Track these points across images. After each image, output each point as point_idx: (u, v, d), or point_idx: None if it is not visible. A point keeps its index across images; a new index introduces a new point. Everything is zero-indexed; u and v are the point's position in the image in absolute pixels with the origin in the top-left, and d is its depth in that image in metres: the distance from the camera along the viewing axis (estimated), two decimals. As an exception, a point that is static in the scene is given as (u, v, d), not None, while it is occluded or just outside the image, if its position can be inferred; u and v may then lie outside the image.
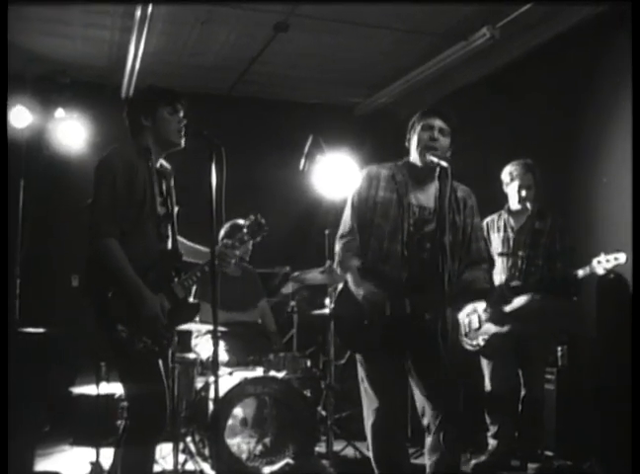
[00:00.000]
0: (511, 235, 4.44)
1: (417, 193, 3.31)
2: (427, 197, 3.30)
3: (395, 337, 3.18)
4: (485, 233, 4.52)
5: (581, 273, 3.97)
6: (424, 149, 3.22)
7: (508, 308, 4.23)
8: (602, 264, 3.84)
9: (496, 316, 4.14)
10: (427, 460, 3.28)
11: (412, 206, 3.28)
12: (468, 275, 3.35)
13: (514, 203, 4.48)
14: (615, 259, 3.82)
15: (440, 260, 2.84)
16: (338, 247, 3.40)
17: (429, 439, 3.25)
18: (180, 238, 3.39)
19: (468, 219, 3.36)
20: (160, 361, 3.11)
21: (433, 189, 3.26)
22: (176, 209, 3.34)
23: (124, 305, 2.99)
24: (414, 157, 3.31)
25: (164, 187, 3.27)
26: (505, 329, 4.24)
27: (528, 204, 4.41)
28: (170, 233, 3.24)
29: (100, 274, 3.04)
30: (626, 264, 3.88)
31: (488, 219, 4.56)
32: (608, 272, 3.85)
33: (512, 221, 4.48)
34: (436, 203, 3.23)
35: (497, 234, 4.50)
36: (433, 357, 2.81)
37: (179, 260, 3.29)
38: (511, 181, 4.47)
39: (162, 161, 3.32)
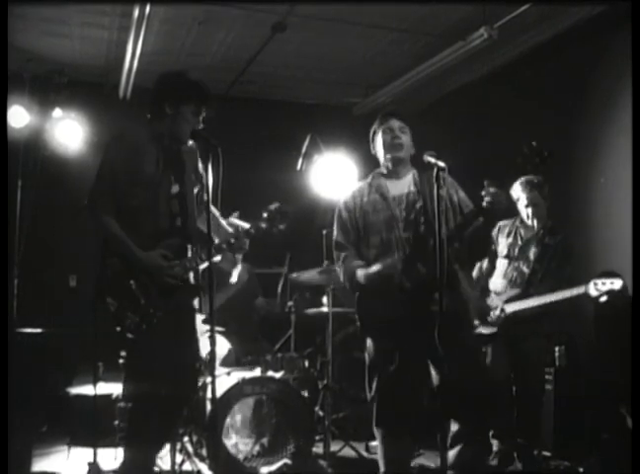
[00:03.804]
0: (519, 243, 4.43)
1: (395, 187, 3.52)
2: (403, 185, 3.51)
3: (413, 309, 3.24)
4: (495, 237, 4.54)
5: (575, 291, 4.01)
6: (389, 148, 3.49)
7: (507, 310, 4.25)
8: (598, 286, 3.92)
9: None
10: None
11: (396, 197, 3.48)
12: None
13: (524, 217, 4.48)
14: (611, 283, 3.91)
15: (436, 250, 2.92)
16: (338, 265, 3.56)
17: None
18: (214, 211, 3.30)
19: (452, 190, 3.47)
20: (164, 346, 3.02)
21: (407, 177, 3.52)
22: (195, 189, 3.30)
23: (115, 278, 3.01)
24: (381, 160, 3.56)
25: (178, 166, 3.22)
26: (491, 331, 4.26)
27: (536, 222, 4.41)
28: (179, 211, 3.19)
29: (100, 249, 3.09)
30: (624, 279, 3.92)
31: (501, 223, 4.55)
32: (601, 295, 3.92)
33: (522, 231, 4.48)
34: (413, 187, 3.47)
35: (505, 238, 4.49)
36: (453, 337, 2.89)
37: (189, 239, 3.22)
38: (517, 199, 4.48)
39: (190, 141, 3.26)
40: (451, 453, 3.29)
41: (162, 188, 3.14)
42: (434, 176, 3.07)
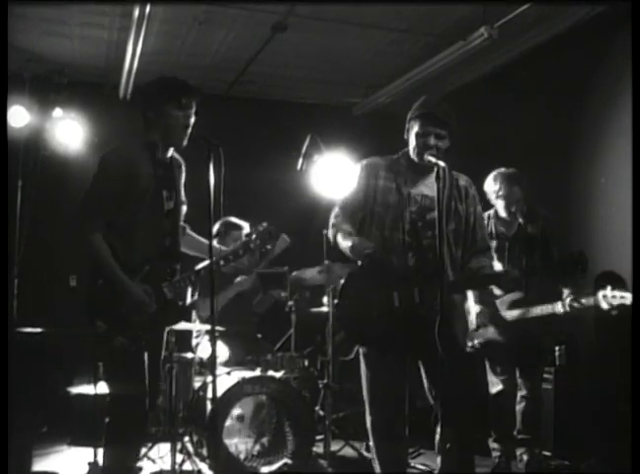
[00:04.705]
0: (505, 244, 4.32)
1: (417, 182, 3.37)
2: (427, 185, 3.33)
3: (404, 328, 3.18)
4: None
5: (584, 301, 3.91)
6: (419, 153, 3.28)
7: (509, 317, 4.22)
8: (608, 299, 3.77)
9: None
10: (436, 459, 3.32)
11: (412, 195, 3.33)
12: (475, 262, 3.38)
13: (501, 212, 4.36)
14: (622, 298, 3.74)
15: (441, 248, 2.87)
16: (330, 222, 3.47)
17: (437, 437, 3.27)
18: (190, 232, 3.37)
19: (471, 208, 3.41)
20: (144, 360, 3.07)
21: (432, 178, 3.18)
22: (184, 208, 3.31)
23: (105, 301, 3.00)
24: (412, 153, 3.35)
25: (171, 181, 3.21)
26: (501, 338, 4.22)
27: (519, 217, 4.33)
28: (170, 230, 3.20)
29: (89, 268, 3.08)
30: (625, 269, 3.91)
31: None
32: (612, 308, 3.76)
33: (501, 228, 4.37)
34: (432, 192, 3.22)
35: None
36: (440, 351, 2.82)
37: (176, 259, 3.24)
38: (496, 197, 4.34)
39: (174, 154, 3.25)
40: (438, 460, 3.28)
41: (157, 205, 3.12)
42: (445, 179, 3.02)
